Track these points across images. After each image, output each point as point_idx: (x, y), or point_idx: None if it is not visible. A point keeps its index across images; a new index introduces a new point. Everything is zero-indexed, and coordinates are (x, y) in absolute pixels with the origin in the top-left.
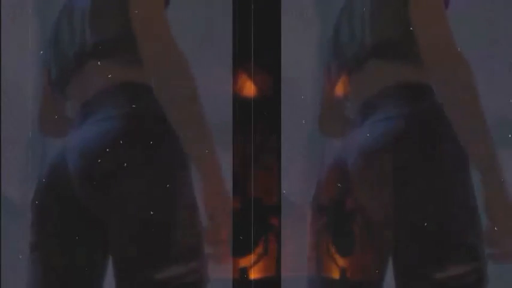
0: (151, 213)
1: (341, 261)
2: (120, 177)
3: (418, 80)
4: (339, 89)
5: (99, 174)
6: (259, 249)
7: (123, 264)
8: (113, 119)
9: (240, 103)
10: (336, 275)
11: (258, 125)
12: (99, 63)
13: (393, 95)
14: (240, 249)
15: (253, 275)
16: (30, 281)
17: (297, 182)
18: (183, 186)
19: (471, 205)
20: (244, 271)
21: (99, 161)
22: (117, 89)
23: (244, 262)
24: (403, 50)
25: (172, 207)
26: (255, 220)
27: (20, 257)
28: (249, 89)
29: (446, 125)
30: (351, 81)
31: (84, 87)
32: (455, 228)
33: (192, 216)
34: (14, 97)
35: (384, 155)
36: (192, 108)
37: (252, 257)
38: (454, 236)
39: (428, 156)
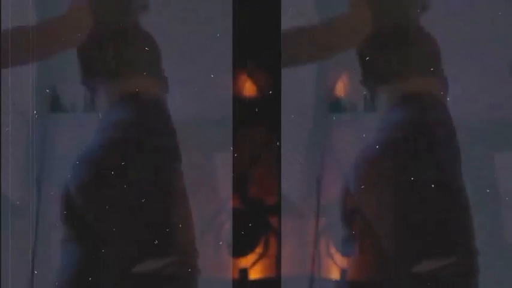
0: (143, 213)
1: (341, 261)
2: (113, 181)
3: (426, 90)
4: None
5: (94, 177)
6: (259, 249)
7: (110, 258)
8: (115, 126)
9: (240, 103)
10: (336, 275)
11: (258, 125)
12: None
13: (398, 104)
14: (240, 249)
15: (253, 275)
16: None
17: (297, 182)
18: (176, 187)
19: (464, 204)
20: (244, 271)
21: (98, 165)
22: (121, 99)
23: (244, 262)
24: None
25: (162, 205)
26: (255, 220)
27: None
28: (249, 89)
29: (443, 131)
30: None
31: (98, 99)
32: (449, 225)
33: (184, 215)
34: (14, 97)
35: (383, 161)
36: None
37: (251, 257)
38: (446, 231)
39: (425, 158)
